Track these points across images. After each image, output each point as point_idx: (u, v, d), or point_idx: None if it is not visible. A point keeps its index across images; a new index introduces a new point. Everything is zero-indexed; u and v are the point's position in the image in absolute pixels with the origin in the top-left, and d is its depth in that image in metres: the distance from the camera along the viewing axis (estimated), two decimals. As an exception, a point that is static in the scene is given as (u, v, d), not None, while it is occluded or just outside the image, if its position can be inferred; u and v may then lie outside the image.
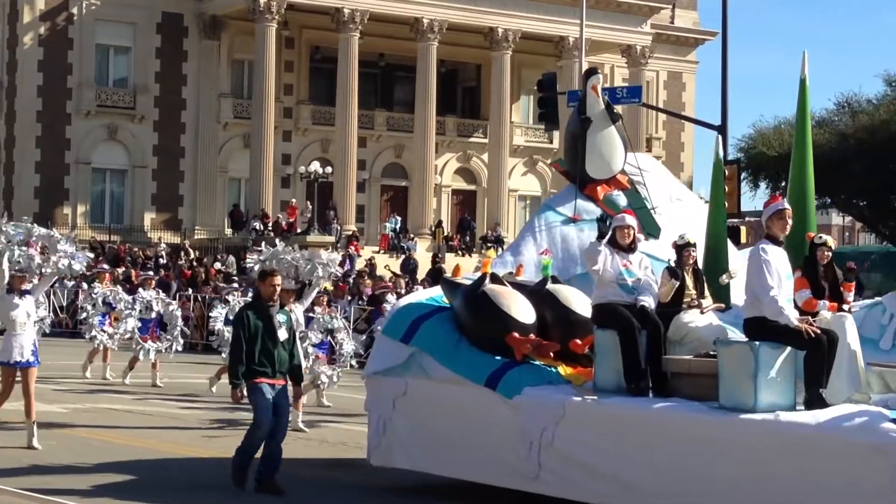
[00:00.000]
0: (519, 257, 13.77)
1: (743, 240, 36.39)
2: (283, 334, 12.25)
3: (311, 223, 49.42)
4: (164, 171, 54.35)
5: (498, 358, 11.88)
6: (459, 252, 54.06)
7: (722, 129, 33.77)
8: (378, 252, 50.22)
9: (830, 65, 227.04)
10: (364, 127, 56.09)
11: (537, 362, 11.85)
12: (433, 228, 54.75)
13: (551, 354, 11.86)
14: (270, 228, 50.82)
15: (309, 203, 50.86)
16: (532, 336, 11.88)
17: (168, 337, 23.58)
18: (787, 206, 10.92)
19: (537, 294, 12.42)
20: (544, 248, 13.41)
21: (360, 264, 43.95)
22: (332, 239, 48.68)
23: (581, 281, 12.87)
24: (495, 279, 12.47)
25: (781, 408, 10.28)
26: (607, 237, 11.84)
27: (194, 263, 42.10)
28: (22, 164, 52.35)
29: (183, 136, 54.80)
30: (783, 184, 57.85)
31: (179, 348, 24.18)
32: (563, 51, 57.13)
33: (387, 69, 58.87)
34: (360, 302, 31.94)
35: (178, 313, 24.58)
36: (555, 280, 12.71)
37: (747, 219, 72.72)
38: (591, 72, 14.65)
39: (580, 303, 12.23)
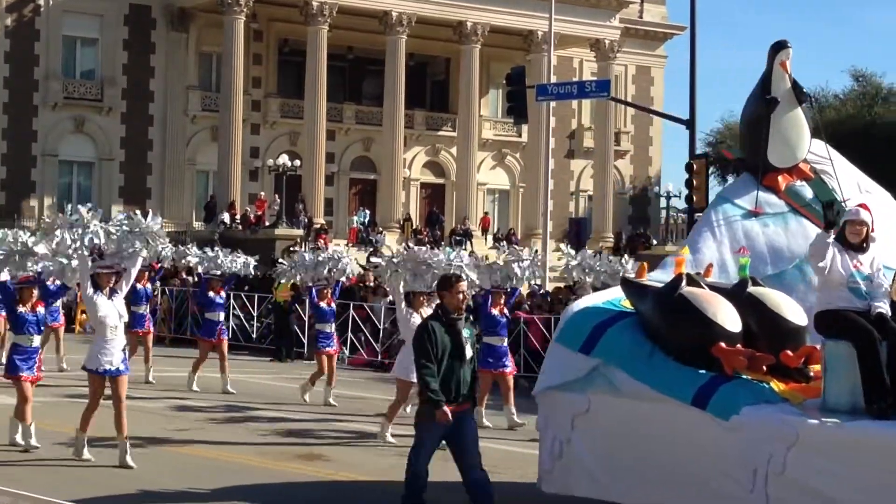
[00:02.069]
0: (698, 255, 11.99)
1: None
2: (469, 352, 10.92)
3: (279, 216, 49.32)
4: (132, 163, 54.11)
5: (703, 372, 10.25)
6: (428, 246, 54.00)
7: (690, 124, 33.91)
8: (347, 245, 50.14)
9: (798, 60, 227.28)
10: (333, 120, 55.97)
11: (747, 377, 10.22)
12: (402, 222, 54.74)
13: (764, 368, 10.27)
14: (238, 221, 50.75)
15: (277, 196, 50.73)
16: (739, 346, 10.30)
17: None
18: (862, 215, 10.11)
19: (738, 298, 10.74)
20: (740, 247, 11.88)
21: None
22: (300, 232, 48.60)
23: (772, 282, 11.38)
24: (691, 281, 10.87)
25: None
26: (834, 232, 10.14)
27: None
28: (-12, 156, 52.08)
29: (151, 128, 54.58)
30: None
31: None
32: (531, 45, 57.17)
33: (355, 62, 58.79)
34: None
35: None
36: (754, 282, 10.99)
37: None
38: (780, 45, 12.73)
39: (790, 309, 10.66)
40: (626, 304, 11.33)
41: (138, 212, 14.67)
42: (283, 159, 50.58)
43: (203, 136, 55.56)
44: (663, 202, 61.87)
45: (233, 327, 30.85)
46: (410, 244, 19.38)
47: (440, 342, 10.66)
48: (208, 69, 56.00)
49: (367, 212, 55.51)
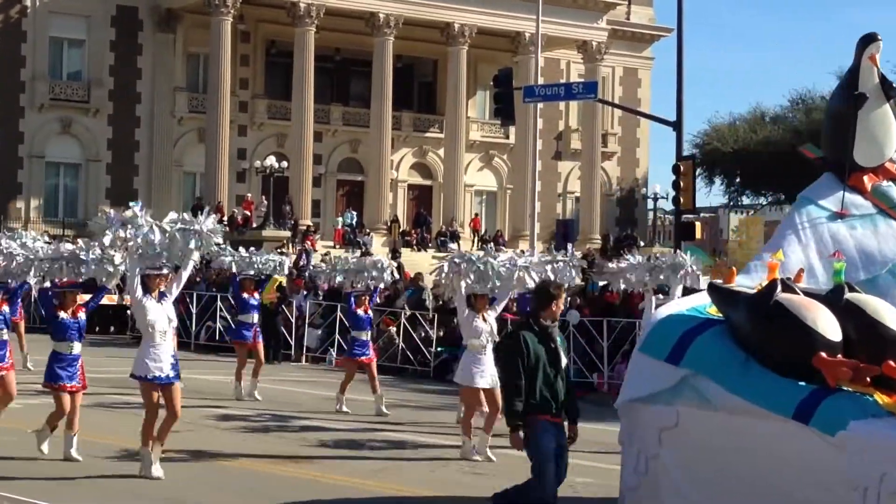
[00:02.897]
0: (784, 260, 11.26)
1: (697, 236, 36.55)
2: (563, 361, 10.48)
3: (266, 218, 49.30)
4: (119, 164, 54.03)
5: (803, 384, 9.57)
6: (415, 247, 54.12)
7: (677, 126, 33.96)
8: (333, 247, 50.15)
9: (785, 62, 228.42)
10: (320, 121, 55.95)
11: (850, 389, 9.54)
12: (389, 223, 54.73)
13: (868, 380, 9.55)
14: (226, 223, 50.67)
15: (264, 198, 50.73)
16: (840, 356, 9.61)
17: None
18: None
19: (834, 305, 10.03)
20: (834, 251, 11.21)
21: (316, 259, 43.85)
22: (287, 234, 48.61)
23: (865, 288, 10.66)
24: (785, 286, 10.18)
25: None
26: None
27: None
28: (-26, 157, 51.94)
29: (137, 129, 54.50)
30: (737, 179, 58.60)
31: None
32: (519, 46, 57.20)
33: (343, 64, 58.78)
34: (315, 297, 31.88)
35: None
36: (850, 288, 10.28)
37: (702, 215, 73.16)
38: (870, 38, 11.90)
39: (892, 316, 9.93)
40: (713, 312, 10.65)
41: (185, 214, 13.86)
42: (271, 161, 50.57)
43: (190, 138, 55.49)
44: (650, 204, 62.01)
45: (219, 329, 30.83)
46: (487, 246, 18.51)
47: (533, 352, 10.20)
48: (195, 70, 55.93)
49: (354, 213, 55.49)
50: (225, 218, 50.97)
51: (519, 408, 10.12)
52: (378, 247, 50.79)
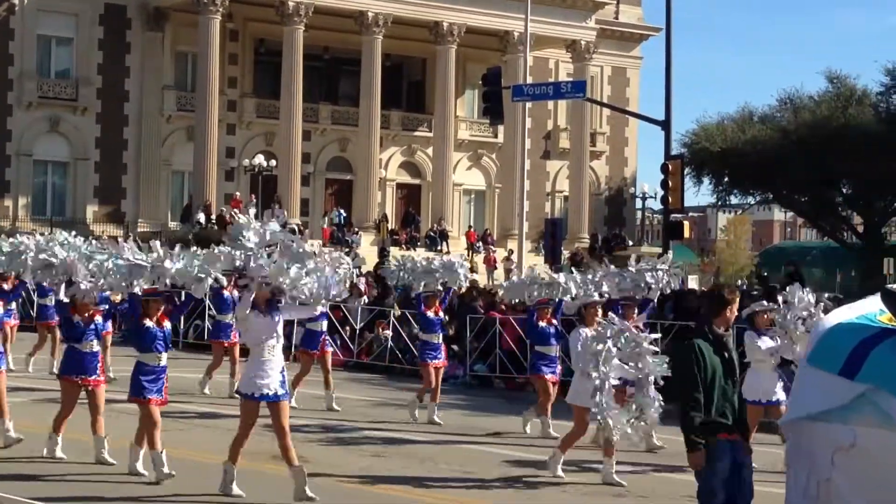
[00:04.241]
0: None
1: (686, 235, 36.65)
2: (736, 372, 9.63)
3: (255, 217, 49.21)
4: (107, 163, 53.96)
5: None
6: (404, 246, 54.10)
7: (665, 125, 34.01)
8: (322, 246, 50.12)
9: (773, 62, 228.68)
10: (308, 120, 55.93)
11: None
12: (378, 222, 54.72)
13: None
14: (214, 222, 50.66)
15: (253, 196, 50.68)
16: None
17: None
18: None
19: None
20: None
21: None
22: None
23: None
24: None
25: None
26: None
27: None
28: (-38, 155, 51.86)
29: (126, 128, 54.43)
30: (725, 179, 58.69)
31: None
32: (507, 45, 57.23)
33: (331, 62, 58.76)
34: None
35: None
36: None
37: (690, 214, 73.27)
38: None
39: None
40: (884, 320, 9.87)
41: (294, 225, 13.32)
42: (259, 159, 50.55)
43: (178, 136, 55.43)
44: (639, 203, 62.07)
45: (208, 328, 30.79)
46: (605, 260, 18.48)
47: (709, 364, 9.30)
48: (184, 69, 55.87)
49: (342, 212, 55.45)
50: (214, 216, 51.02)
51: (698, 423, 9.20)
52: (367, 246, 50.86)
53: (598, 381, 13.65)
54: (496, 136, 60.37)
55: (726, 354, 9.44)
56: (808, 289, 15.66)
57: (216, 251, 12.96)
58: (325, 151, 58.67)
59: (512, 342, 25.05)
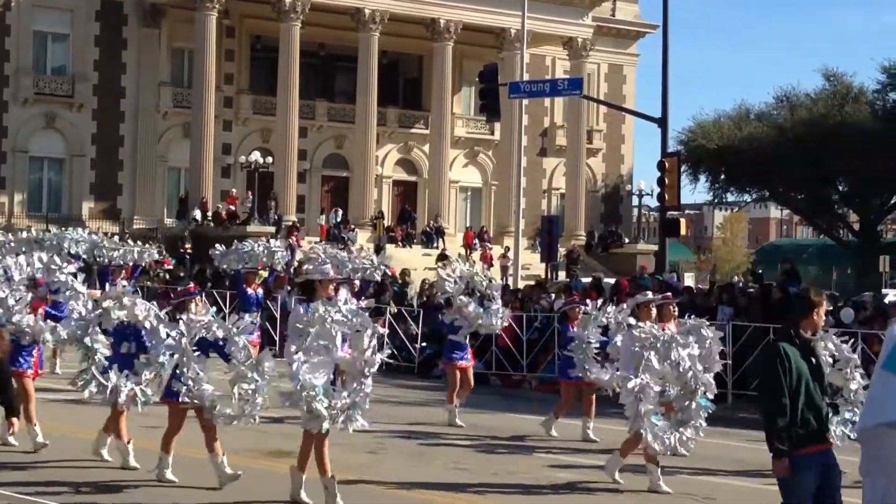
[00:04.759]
0: None
1: (682, 232, 36.64)
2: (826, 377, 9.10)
3: (251, 213, 49.22)
4: (103, 159, 53.88)
5: None
6: (400, 243, 54.11)
7: (662, 122, 33.99)
8: (318, 243, 50.09)
9: (770, 59, 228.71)
10: (305, 117, 55.91)
11: None
12: (374, 219, 54.69)
13: None
14: (210, 218, 50.62)
15: (249, 193, 50.67)
16: None
17: None
18: None
19: None
20: None
21: (300, 255, 43.79)
22: (272, 229, 48.56)
23: None
24: None
25: None
26: None
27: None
28: (-42, 151, 51.78)
29: (122, 124, 54.36)
30: (722, 176, 58.66)
31: None
32: (504, 42, 57.20)
33: (328, 59, 58.69)
34: (299, 293, 31.74)
35: None
36: None
37: (687, 211, 73.22)
38: None
39: None
40: None
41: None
42: (256, 156, 50.51)
43: (175, 133, 55.37)
44: (635, 200, 62.06)
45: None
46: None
47: (795, 368, 8.77)
48: (180, 65, 55.81)
49: (340, 211, 55.34)
50: (210, 213, 50.98)
51: (784, 429, 8.66)
52: (363, 243, 50.82)
53: (637, 389, 13.34)
54: (493, 134, 60.38)
55: (813, 360, 8.97)
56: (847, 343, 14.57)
57: None
58: (322, 148, 58.62)
59: (508, 339, 25.01)
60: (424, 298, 28.22)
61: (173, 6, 53.97)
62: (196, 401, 12.14)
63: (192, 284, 13.44)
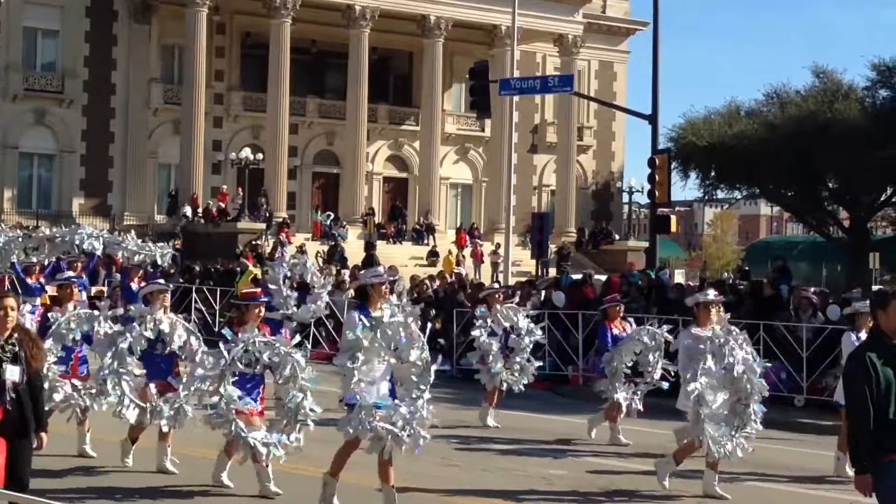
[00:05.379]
0: None
1: (672, 229, 36.69)
2: None
3: (241, 210, 49.21)
4: (93, 156, 53.81)
5: None
6: (391, 240, 54.13)
7: (653, 119, 34.01)
8: (310, 239, 50.16)
9: (760, 56, 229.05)
10: (295, 114, 55.89)
11: None
12: (364, 216, 54.69)
13: None
14: (201, 215, 50.59)
15: (240, 189, 50.64)
16: None
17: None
18: None
19: None
20: None
21: (290, 251, 43.77)
22: (262, 226, 48.57)
23: None
24: None
25: None
26: None
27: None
28: (-53, 148, 51.67)
29: (112, 121, 54.30)
30: (712, 173, 58.74)
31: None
32: (495, 39, 57.23)
33: (319, 56, 58.66)
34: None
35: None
36: None
37: (677, 208, 73.27)
38: None
39: None
40: None
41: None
42: (246, 153, 50.47)
43: (165, 129, 55.31)
44: (626, 197, 62.08)
45: (195, 322, 30.73)
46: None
47: (882, 378, 8.21)
48: (170, 62, 55.75)
49: (332, 214, 55.28)
50: (200, 210, 50.94)
51: (866, 445, 8.19)
52: (353, 239, 50.86)
53: (695, 394, 13.06)
54: (483, 130, 60.39)
55: None
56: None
57: None
58: (312, 145, 58.60)
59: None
60: (415, 294, 28.17)
61: (164, 2, 53.92)
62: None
63: (258, 288, 13.21)
